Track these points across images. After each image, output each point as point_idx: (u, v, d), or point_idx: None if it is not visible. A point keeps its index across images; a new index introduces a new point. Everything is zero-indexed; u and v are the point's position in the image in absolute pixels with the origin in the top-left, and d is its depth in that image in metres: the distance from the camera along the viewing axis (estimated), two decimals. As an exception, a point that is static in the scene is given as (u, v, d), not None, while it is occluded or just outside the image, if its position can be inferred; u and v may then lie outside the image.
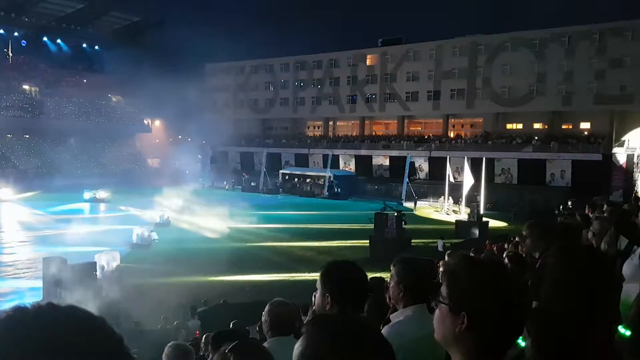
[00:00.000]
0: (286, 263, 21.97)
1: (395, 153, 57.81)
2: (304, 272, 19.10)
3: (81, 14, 72.83)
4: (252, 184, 59.01)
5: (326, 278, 2.58)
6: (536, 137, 52.64)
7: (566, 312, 1.86)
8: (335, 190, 53.63)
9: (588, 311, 1.85)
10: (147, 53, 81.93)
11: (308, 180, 58.23)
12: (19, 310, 0.76)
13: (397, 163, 55.15)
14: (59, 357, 0.71)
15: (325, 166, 57.55)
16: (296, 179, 59.24)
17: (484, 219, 32.37)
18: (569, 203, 32.90)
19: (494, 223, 33.45)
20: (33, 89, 72.37)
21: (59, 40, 78.37)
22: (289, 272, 20.28)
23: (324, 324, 1.16)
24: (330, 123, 70.64)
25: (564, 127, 53.89)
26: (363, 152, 61.15)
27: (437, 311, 1.51)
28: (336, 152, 60.68)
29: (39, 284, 15.81)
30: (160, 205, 35.97)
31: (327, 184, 54.70)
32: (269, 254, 23.84)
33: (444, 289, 1.49)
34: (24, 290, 17.09)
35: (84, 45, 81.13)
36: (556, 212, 29.02)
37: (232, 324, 9.12)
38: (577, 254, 2.08)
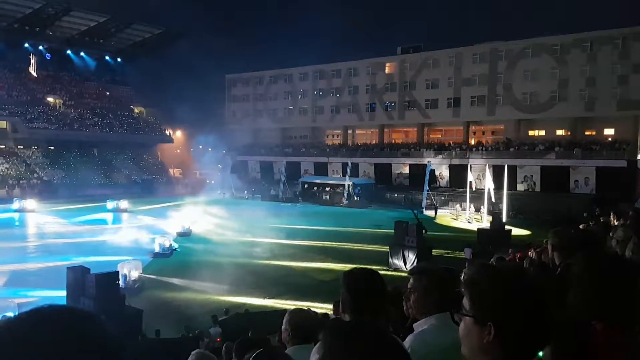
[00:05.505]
0: (300, 289, 20.31)
1: (415, 161, 57.49)
2: (313, 301, 16.88)
3: (104, 27, 74.30)
4: (272, 192, 59.22)
5: (346, 285, 2.60)
6: (559, 144, 51.90)
7: (592, 321, 1.83)
8: (355, 198, 53.52)
9: (614, 319, 1.83)
10: (169, 65, 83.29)
11: (327, 188, 58.24)
12: (14, 316, 0.78)
13: (417, 171, 54.79)
14: (52, 357, 0.72)
15: (344, 175, 57.51)
16: (315, 188, 59.28)
17: (507, 227, 31.95)
18: (596, 210, 32.22)
19: (516, 231, 32.97)
20: (57, 101, 73.84)
21: (82, 53, 79.99)
22: (301, 300, 17.79)
23: (341, 331, 1.17)
24: (350, 131, 70.68)
25: (587, 133, 53.11)
26: (382, 160, 60.94)
27: (462, 324, 1.48)
28: (355, 160, 60.54)
29: (63, 293, 16.02)
30: (182, 214, 36.28)
31: (346, 192, 54.59)
32: (283, 276, 22.53)
33: (466, 301, 1.47)
34: (48, 299, 17.32)
35: (107, 57, 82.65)
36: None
37: (251, 333, 9.16)
38: (603, 262, 2.06)
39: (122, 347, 0.80)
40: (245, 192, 61.01)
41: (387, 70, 65.73)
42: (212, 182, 64.73)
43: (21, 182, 57.07)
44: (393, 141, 66.67)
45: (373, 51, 69.02)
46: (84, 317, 0.79)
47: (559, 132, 55.11)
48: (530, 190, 50.41)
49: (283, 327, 3.18)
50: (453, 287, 2.84)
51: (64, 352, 0.73)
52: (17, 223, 38.27)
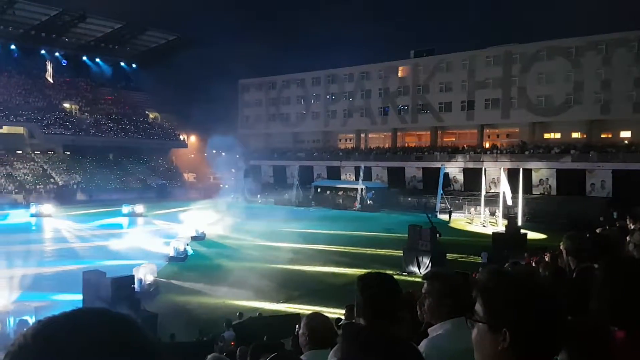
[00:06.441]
0: (313, 293, 20.17)
1: (428, 164, 57.20)
2: (326, 305, 16.28)
3: (119, 34, 75.19)
4: (285, 196, 59.31)
5: (360, 290, 2.60)
6: (574, 147, 51.29)
7: (614, 326, 1.82)
8: (368, 202, 53.39)
9: (637, 325, 1.81)
10: (183, 70, 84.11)
11: (340, 192, 58.20)
12: (50, 318, 0.79)
13: (431, 175, 54.45)
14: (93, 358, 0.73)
15: (357, 178, 57.44)
16: (328, 192, 59.27)
17: (522, 230, 31.61)
18: (613, 214, 31.82)
19: (532, 235, 32.61)
20: (73, 107, 74.74)
21: (98, 60, 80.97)
22: (314, 305, 17.41)
23: (357, 336, 1.18)
24: (362, 135, 70.60)
25: (603, 136, 52.52)
26: (395, 164, 60.69)
27: (474, 331, 1.46)
28: (368, 164, 60.41)
29: (79, 297, 16.16)
30: (196, 219, 36.44)
31: (359, 196, 54.48)
32: (297, 280, 22.34)
33: (479, 308, 1.45)
34: (64, 303, 17.47)
35: (122, 63, 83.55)
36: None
37: (265, 338, 9.19)
38: (624, 267, 2.04)
39: (158, 349, 0.82)
40: (259, 196, 61.18)
41: (400, 74, 65.62)
42: (226, 186, 65.02)
43: (38, 187, 57.80)
44: (406, 145, 66.46)
45: (386, 55, 69.02)
46: (122, 320, 0.81)
47: (575, 135, 54.57)
48: (545, 193, 49.90)
49: (300, 331, 3.18)
50: (467, 291, 2.83)
51: (106, 353, 0.74)
52: (33, 227, 38.73)
